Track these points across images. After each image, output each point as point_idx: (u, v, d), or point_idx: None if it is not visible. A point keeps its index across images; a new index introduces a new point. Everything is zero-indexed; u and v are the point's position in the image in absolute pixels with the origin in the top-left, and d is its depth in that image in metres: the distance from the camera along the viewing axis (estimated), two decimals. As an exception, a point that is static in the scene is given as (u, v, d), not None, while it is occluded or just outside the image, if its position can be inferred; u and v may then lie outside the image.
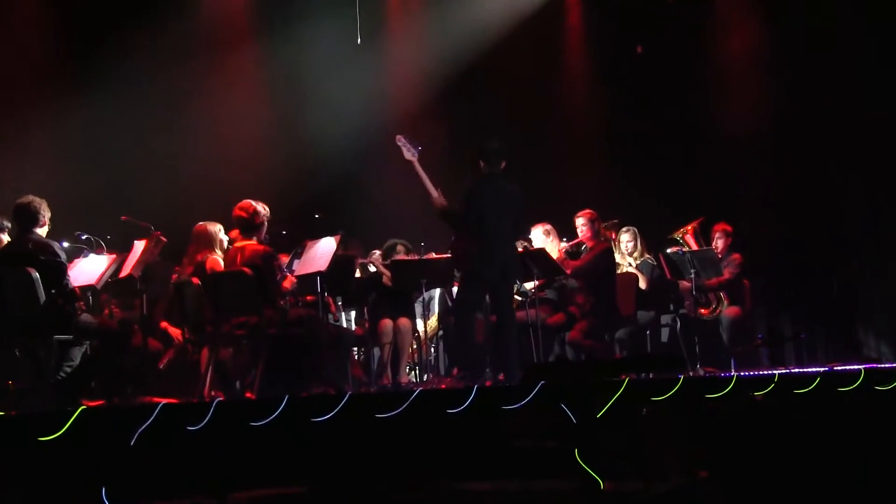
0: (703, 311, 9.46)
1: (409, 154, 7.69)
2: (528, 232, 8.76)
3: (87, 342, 7.04)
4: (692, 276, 8.97)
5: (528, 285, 8.93)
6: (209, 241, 7.74)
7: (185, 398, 7.23)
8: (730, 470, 6.30)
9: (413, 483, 5.77)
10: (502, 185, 7.70)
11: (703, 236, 9.66)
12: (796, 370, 8.41)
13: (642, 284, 9.33)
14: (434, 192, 7.63)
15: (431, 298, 9.54)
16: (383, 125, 11.47)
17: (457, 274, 8.35)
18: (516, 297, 9.34)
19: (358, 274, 9.11)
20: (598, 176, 11.66)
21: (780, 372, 7.51)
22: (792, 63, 11.25)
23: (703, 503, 5.78)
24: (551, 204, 10.51)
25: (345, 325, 9.53)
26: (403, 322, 8.86)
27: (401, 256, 9.06)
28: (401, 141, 7.75)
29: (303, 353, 7.37)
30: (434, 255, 8.96)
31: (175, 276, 8.26)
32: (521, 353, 8.74)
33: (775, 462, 6.38)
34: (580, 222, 9.03)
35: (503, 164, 7.81)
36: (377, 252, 9.28)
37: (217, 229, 7.78)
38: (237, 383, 7.97)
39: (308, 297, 8.35)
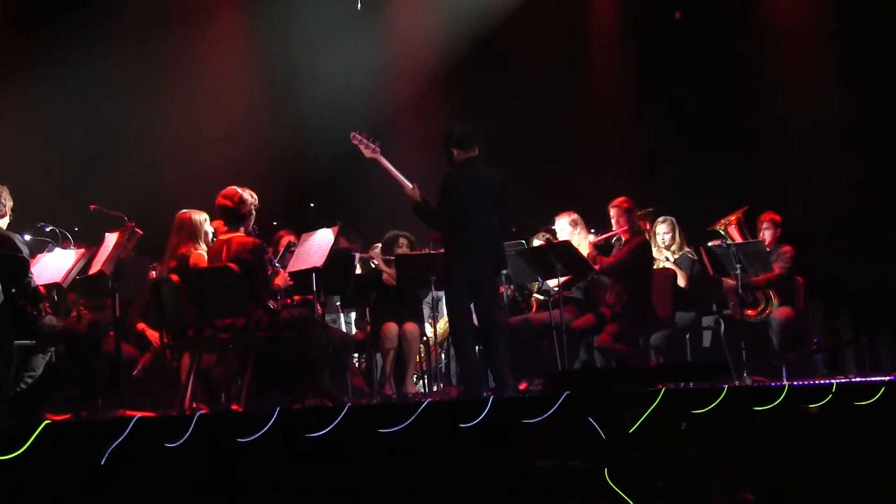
0: (749, 311, 9.44)
1: (370, 151, 7.74)
2: (511, 224, 8.70)
3: (52, 348, 7.04)
4: (737, 272, 8.94)
5: (552, 283, 8.92)
6: (193, 233, 7.72)
7: (162, 411, 7.24)
8: (779, 493, 6.30)
9: (420, 507, 5.79)
10: (482, 171, 7.65)
11: (749, 227, 9.63)
12: (857, 379, 8.39)
13: (681, 282, 9.30)
14: (408, 185, 7.62)
15: (440, 299, 9.53)
16: (386, 101, 11.49)
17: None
18: (538, 296, 9.36)
19: (359, 270, 9.11)
20: (631, 159, 11.64)
21: (838, 381, 7.50)
22: (852, 27, 11.19)
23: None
24: (578, 191, 10.51)
25: (344, 328, 9.53)
26: (410, 327, 8.84)
27: (403, 250, 9.04)
28: (356, 139, 7.78)
29: (296, 360, 7.37)
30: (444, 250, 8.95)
31: (152, 272, 8.27)
32: (542, 361, 8.78)
33: (832, 485, 6.37)
34: (613, 212, 8.98)
35: (476, 150, 7.72)
36: (378, 246, 9.27)
37: (202, 219, 7.75)
38: (222, 394, 7.98)
39: (296, 297, 8.35)
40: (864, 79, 11.10)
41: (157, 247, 8.22)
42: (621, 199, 9.00)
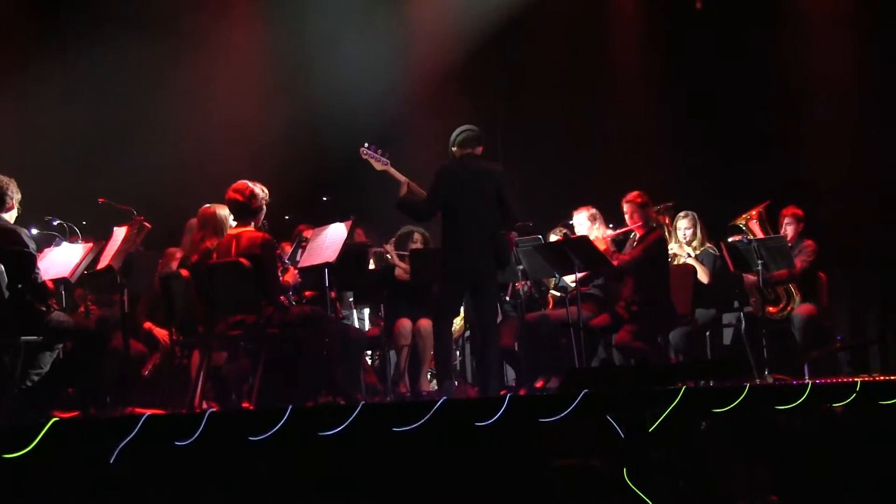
0: (771, 308, 9.41)
1: (380, 165, 7.80)
2: (518, 219, 8.62)
3: (60, 344, 7.04)
4: (759, 267, 8.91)
5: (569, 279, 8.90)
6: (219, 227, 7.67)
7: (172, 409, 7.26)
8: (803, 495, 6.28)
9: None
10: (476, 166, 7.68)
11: (770, 223, 9.59)
12: (882, 378, 8.35)
13: (703, 278, 9.25)
14: (402, 179, 7.70)
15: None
16: (403, 92, 11.47)
17: None
18: (555, 292, 9.33)
19: (372, 265, 9.11)
20: (652, 153, 11.61)
21: (862, 380, 7.47)
22: (886, 17, 11.13)
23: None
24: (598, 185, 10.48)
25: (357, 324, 9.54)
26: (424, 323, 8.83)
27: (417, 245, 9.03)
28: (366, 153, 7.84)
29: (308, 357, 7.38)
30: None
31: (161, 267, 8.27)
32: (560, 358, 8.76)
33: (856, 486, 6.35)
34: (627, 207, 8.92)
35: (480, 149, 7.78)
36: (392, 241, 9.25)
37: (227, 213, 7.72)
38: (233, 392, 7.99)
39: (307, 293, 8.34)
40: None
41: (166, 241, 8.22)
42: (634, 193, 8.95)
